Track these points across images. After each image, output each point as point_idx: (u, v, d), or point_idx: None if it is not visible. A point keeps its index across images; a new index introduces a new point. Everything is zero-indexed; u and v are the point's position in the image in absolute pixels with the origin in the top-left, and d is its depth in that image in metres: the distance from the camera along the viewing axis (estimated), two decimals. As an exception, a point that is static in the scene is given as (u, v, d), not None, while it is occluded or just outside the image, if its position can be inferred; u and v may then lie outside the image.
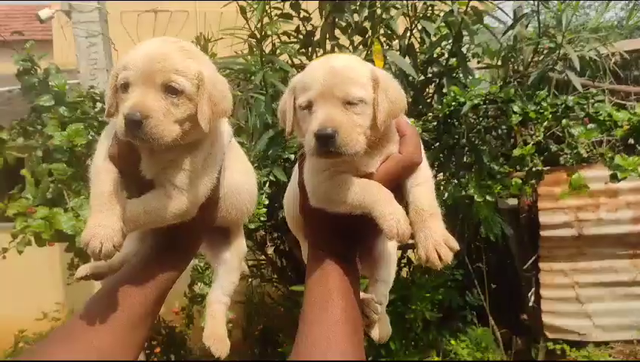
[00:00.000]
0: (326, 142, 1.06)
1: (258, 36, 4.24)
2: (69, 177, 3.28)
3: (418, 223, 1.11)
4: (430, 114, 3.88)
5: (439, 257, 1.07)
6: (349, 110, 1.11)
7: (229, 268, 1.44)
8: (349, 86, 1.11)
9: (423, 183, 1.17)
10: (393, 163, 1.17)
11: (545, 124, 3.65)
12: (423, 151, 1.23)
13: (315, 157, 1.10)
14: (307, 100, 1.13)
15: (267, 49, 4.42)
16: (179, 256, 1.26)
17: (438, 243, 1.08)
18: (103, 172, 1.14)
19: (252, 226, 3.72)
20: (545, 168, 4.07)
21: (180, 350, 5.62)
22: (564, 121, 3.62)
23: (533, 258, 5.41)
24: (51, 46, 8.26)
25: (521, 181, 3.75)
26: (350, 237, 1.21)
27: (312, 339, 1.07)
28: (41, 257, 5.19)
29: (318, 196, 1.20)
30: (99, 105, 3.88)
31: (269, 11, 4.27)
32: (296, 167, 1.31)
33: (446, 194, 4.23)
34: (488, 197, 3.65)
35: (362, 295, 1.32)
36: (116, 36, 5.04)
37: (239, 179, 1.34)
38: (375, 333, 1.38)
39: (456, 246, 1.09)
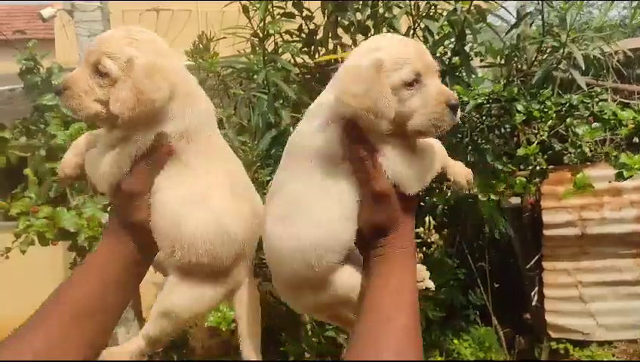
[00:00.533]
0: (456, 110, 1.07)
1: (260, 35, 4.24)
2: (72, 176, 3.28)
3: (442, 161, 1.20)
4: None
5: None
6: None
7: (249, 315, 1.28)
8: (435, 61, 1.12)
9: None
10: None
11: (549, 123, 3.64)
12: None
13: (447, 125, 1.06)
14: (415, 74, 1.05)
15: (269, 48, 4.41)
16: (121, 240, 1.16)
17: (463, 170, 1.21)
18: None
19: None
20: (549, 167, 4.07)
21: (182, 349, 5.63)
22: (568, 120, 3.61)
23: (537, 257, 5.40)
24: (53, 45, 8.28)
25: (525, 180, 3.75)
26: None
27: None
28: (43, 256, 5.20)
29: (414, 177, 1.23)
30: (101, 104, 3.87)
31: (271, 10, 4.27)
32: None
33: (449, 193, 4.23)
34: (492, 196, 3.64)
35: None
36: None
37: (177, 208, 1.14)
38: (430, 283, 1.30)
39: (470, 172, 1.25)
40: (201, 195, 1.17)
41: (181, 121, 1.17)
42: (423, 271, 1.26)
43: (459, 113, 1.07)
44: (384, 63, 1.04)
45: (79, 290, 1.10)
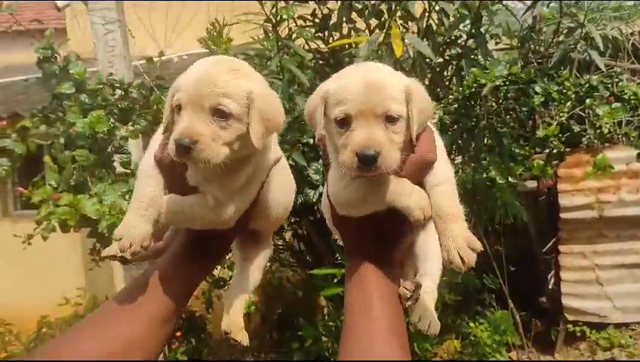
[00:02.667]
0: (368, 162, 1.07)
1: (274, 21, 4.22)
2: (92, 163, 3.31)
3: (440, 226, 1.12)
4: (451, 96, 3.84)
5: (462, 260, 1.08)
6: (388, 128, 1.11)
7: (253, 268, 1.46)
8: (389, 103, 1.11)
9: (443, 183, 1.16)
10: (408, 165, 1.15)
11: (568, 104, 3.61)
12: (442, 149, 1.22)
13: (354, 173, 1.11)
14: (345, 115, 1.11)
15: (283, 33, 4.40)
16: (209, 259, 1.29)
17: (461, 246, 1.08)
18: (149, 176, 1.21)
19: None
20: (566, 149, 4.03)
21: (200, 334, 5.69)
22: (588, 101, 3.57)
23: (553, 240, 5.38)
24: (65, 34, 8.31)
25: (542, 162, 3.72)
26: (385, 239, 1.22)
27: (355, 342, 1.09)
28: (63, 243, 5.27)
29: (341, 202, 1.22)
30: (118, 92, 3.90)
31: (284, -5, 4.25)
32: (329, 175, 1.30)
33: (465, 177, 4.21)
34: (510, 180, 3.63)
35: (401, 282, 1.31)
36: (129, 23, 5.04)
37: (277, 196, 1.35)
38: (424, 328, 1.33)
39: (479, 247, 1.09)
40: (289, 180, 1.42)
41: (276, 143, 1.32)
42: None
43: (381, 160, 1.07)
44: (330, 97, 1.15)
45: (158, 300, 1.17)
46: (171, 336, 1.20)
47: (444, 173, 1.18)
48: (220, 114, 1.10)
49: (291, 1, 4.35)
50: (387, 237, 1.22)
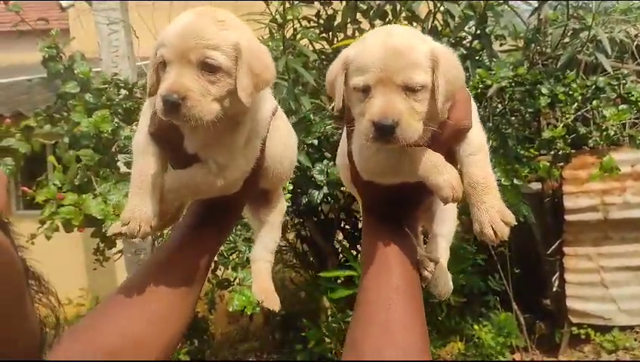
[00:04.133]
0: (385, 132, 1.02)
1: (280, 21, 4.22)
2: (96, 163, 3.31)
3: (473, 197, 1.06)
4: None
5: (494, 233, 1.03)
6: (409, 97, 1.05)
7: (270, 227, 1.42)
8: (411, 71, 1.04)
9: (477, 152, 1.09)
10: (442, 131, 1.10)
11: (574, 105, 3.59)
12: (476, 116, 1.16)
13: (371, 143, 1.06)
14: (364, 84, 1.06)
15: (288, 34, 4.39)
16: (224, 220, 1.26)
17: (494, 218, 1.03)
18: (146, 152, 1.14)
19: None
20: (571, 151, 4.02)
21: (202, 335, 5.67)
22: (594, 102, 3.55)
23: (558, 242, 5.36)
24: (68, 35, 8.31)
25: (548, 164, 3.70)
26: (406, 203, 1.19)
27: (372, 304, 1.06)
28: (65, 243, 5.26)
29: (368, 170, 1.16)
30: (123, 91, 3.89)
31: (290, -4, 4.24)
32: (344, 134, 1.25)
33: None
34: (515, 181, 3.61)
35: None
36: (132, 23, 5.04)
37: (281, 149, 1.30)
38: (435, 289, 1.32)
39: (512, 220, 1.04)
40: (291, 134, 1.36)
41: (270, 96, 1.26)
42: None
43: (399, 131, 1.02)
44: (350, 63, 1.09)
45: (188, 264, 1.16)
46: (196, 302, 1.17)
47: (478, 140, 1.11)
48: (208, 67, 1.04)
49: (296, 2, 4.35)
50: (412, 201, 1.19)
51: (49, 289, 0.75)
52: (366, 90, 1.06)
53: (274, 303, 1.31)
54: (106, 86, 3.74)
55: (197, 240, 1.19)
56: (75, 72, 3.62)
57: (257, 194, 1.38)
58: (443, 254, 1.33)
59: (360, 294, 1.10)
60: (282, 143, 1.30)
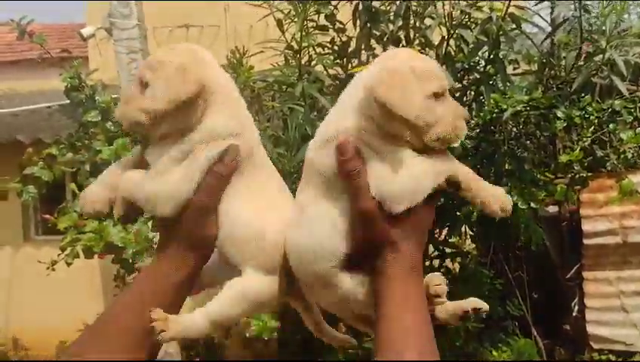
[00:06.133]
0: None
1: (296, 47, 4.29)
2: (117, 190, 3.35)
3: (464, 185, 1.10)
4: (472, 121, 3.85)
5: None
6: None
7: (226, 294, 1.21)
8: None
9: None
10: None
11: (591, 129, 3.60)
12: None
13: (459, 140, 1.10)
14: (442, 89, 1.09)
15: (303, 60, 4.46)
16: (182, 251, 1.15)
17: (495, 193, 1.05)
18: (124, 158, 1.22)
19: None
20: (588, 174, 4.00)
21: (218, 360, 5.66)
22: (611, 126, 3.56)
23: (577, 266, 5.30)
24: (87, 63, 8.50)
25: (565, 187, 3.69)
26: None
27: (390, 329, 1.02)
28: (83, 269, 5.31)
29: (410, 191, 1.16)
30: (142, 119, 3.96)
31: (305, 24, 4.32)
32: None
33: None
34: (532, 205, 3.60)
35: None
36: (150, 51, 5.15)
37: (247, 214, 1.16)
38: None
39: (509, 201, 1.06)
40: (272, 204, 1.19)
41: (250, 133, 1.18)
42: (441, 283, 1.23)
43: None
44: (422, 73, 1.06)
45: (133, 314, 1.12)
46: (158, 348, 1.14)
47: None
48: (142, 85, 1.12)
49: (312, 30, 4.42)
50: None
51: None
52: (442, 94, 1.12)
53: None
54: (126, 114, 3.81)
55: (160, 275, 1.15)
56: (97, 100, 3.70)
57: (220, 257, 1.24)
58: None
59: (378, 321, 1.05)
60: (251, 206, 1.16)
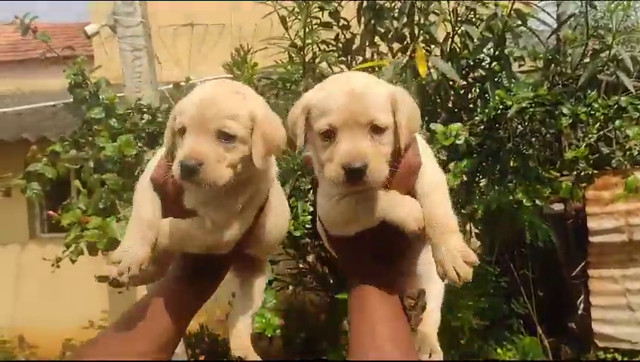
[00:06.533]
0: (355, 176, 1.03)
1: (299, 45, 4.28)
2: (121, 187, 3.36)
3: (433, 238, 1.07)
4: (476, 118, 3.83)
5: (457, 274, 1.03)
6: (374, 139, 1.07)
7: (252, 292, 1.45)
8: (375, 112, 1.07)
9: (433, 191, 1.11)
10: (395, 173, 1.11)
11: (597, 125, 3.57)
12: (429, 153, 1.19)
13: (341, 186, 1.08)
14: (329, 126, 1.07)
15: (307, 57, 4.45)
16: (206, 285, 1.28)
17: (456, 259, 1.03)
18: (146, 198, 1.20)
19: (297, 234, 3.73)
20: (594, 171, 3.97)
21: (223, 358, 5.66)
22: (617, 122, 3.53)
23: (582, 264, 5.27)
24: (92, 61, 8.53)
25: (571, 184, 3.67)
26: (382, 258, 1.16)
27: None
28: (87, 266, 5.31)
29: (333, 223, 1.19)
30: (146, 116, 3.97)
31: (308, 21, 4.30)
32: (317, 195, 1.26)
33: (490, 199, 4.16)
34: (537, 202, 3.58)
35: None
36: (155, 49, 5.15)
37: (274, 219, 1.34)
38: (416, 349, 1.26)
39: (475, 260, 1.04)
40: (283, 205, 1.41)
41: (274, 166, 1.31)
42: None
43: (369, 173, 1.03)
44: (312, 108, 1.11)
45: (164, 324, 1.18)
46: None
47: (433, 179, 1.13)
48: (224, 136, 1.11)
49: (316, 26, 4.41)
50: (384, 255, 1.17)
51: None
52: (331, 135, 1.08)
53: (254, 357, 1.35)
54: (130, 111, 3.82)
55: (178, 297, 1.22)
56: (101, 98, 3.70)
57: (243, 259, 1.40)
58: (431, 315, 1.30)
59: (350, 356, 1.09)
60: (275, 214, 1.34)
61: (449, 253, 1.04)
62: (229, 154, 1.11)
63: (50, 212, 3.64)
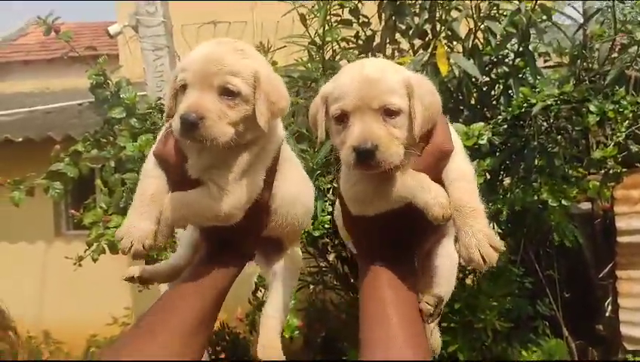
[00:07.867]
0: (365, 157, 1.03)
1: (319, 42, 4.25)
2: (141, 186, 3.38)
3: (458, 220, 1.05)
4: (500, 116, 3.75)
5: (482, 258, 1.01)
6: (387, 122, 1.07)
7: (282, 286, 1.40)
8: (387, 96, 1.07)
9: (461, 179, 1.10)
10: (423, 157, 1.10)
11: (625, 123, 3.46)
12: (458, 142, 1.17)
13: (353, 169, 1.08)
14: (341, 111, 1.09)
15: (327, 55, 4.42)
16: (233, 256, 1.24)
17: (481, 242, 1.01)
18: (150, 176, 1.18)
19: (316, 234, 3.71)
20: (622, 170, 3.86)
21: (244, 356, 5.68)
22: (647, 120, 3.43)
23: (610, 265, 5.14)
24: (117, 60, 8.64)
25: (598, 184, 3.57)
26: (400, 242, 1.15)
27: (372, 358, 1.03)
28: (112, 263, 5.39)
29: (354, 201, 1.16)
30: (166, 116, 3.98)
31: (328, 18, 4.27)
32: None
33: (514, 199, 4.07)
34: (564, 202, 3.48)
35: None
36: (178, 48, 5.18)
37: (294, 190, 1.30)
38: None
39: (500, 245, 1.02)
40: (305, 180, 1.37)
41: (281, 127, 1.27)
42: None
43: (379, 155, 1.03)
44: (329, 96, 1.13)
45: (188, 309, 1.14)
46: (207, 342, 1.17)
47: (462, 168, 1.12)
48: (227, 92, 1.09)
49: (335, 24, 4.37)
50: (403, 239, 1.15)
51: (8, 324, 0.77)
52: (344, 119, 1.09)
53: (279, 358, 1.31)
54: (151, 110, 3.84)
55: (207, 281, 1.19)
56: (122, 97, 3.73)
57: (270, 243, 1.36)
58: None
59: (362, 344, 1.06)
60: (295, 187, 1.31)
61: (475, 236, 1.02)
62: (231, 111, 1.09)
63: (73, 211, 3.69)
